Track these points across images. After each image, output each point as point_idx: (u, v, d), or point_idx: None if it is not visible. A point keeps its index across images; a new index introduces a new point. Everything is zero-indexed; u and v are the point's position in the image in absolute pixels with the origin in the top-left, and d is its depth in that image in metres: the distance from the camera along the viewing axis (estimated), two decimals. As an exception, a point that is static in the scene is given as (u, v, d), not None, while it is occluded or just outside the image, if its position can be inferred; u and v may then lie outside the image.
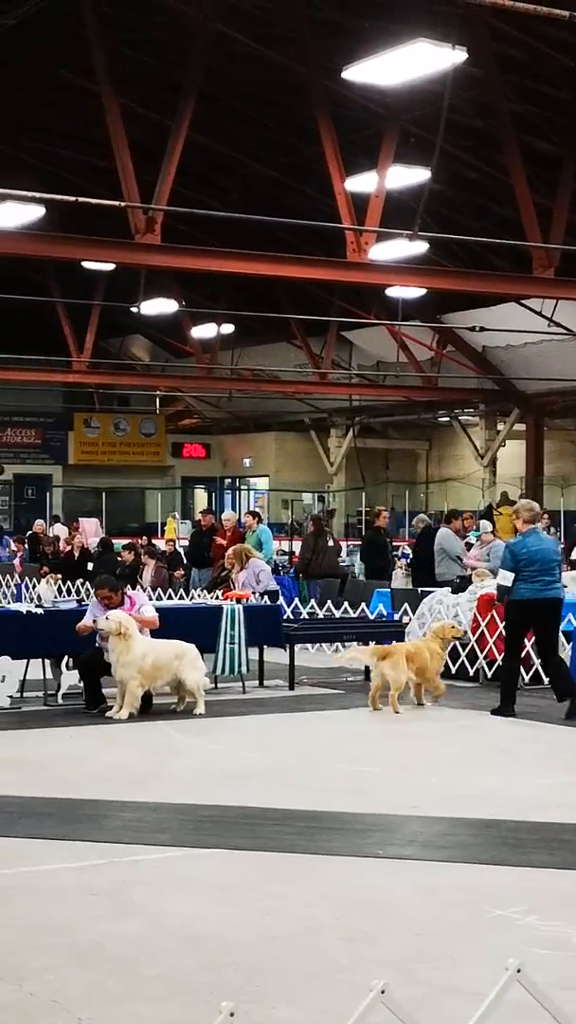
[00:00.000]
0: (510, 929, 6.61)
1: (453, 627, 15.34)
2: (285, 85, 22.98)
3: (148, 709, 14.04)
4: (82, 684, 14.43)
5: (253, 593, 17.95)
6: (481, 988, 5.31)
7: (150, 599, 21.34)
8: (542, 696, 14.79)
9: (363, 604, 19.14)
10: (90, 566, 25.08)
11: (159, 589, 23.06)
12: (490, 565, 19.13)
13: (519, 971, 3.35)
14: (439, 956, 6.19)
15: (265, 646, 16.52)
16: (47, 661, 14.96)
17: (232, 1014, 3.08)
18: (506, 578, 14.10)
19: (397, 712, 14.17)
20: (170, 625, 15.04)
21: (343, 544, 36.57)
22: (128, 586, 15.88)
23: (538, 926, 6.65)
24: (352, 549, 34.33)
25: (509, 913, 6.85)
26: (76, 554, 26.68)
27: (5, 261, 30.63)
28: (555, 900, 7.14)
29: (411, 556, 24.64)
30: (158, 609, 15.01)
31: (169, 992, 5.68)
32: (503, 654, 14.96)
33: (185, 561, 26.37)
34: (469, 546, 21.88)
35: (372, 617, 18.48)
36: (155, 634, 14.25)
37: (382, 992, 3.21)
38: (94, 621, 13.83)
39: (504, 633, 14.91)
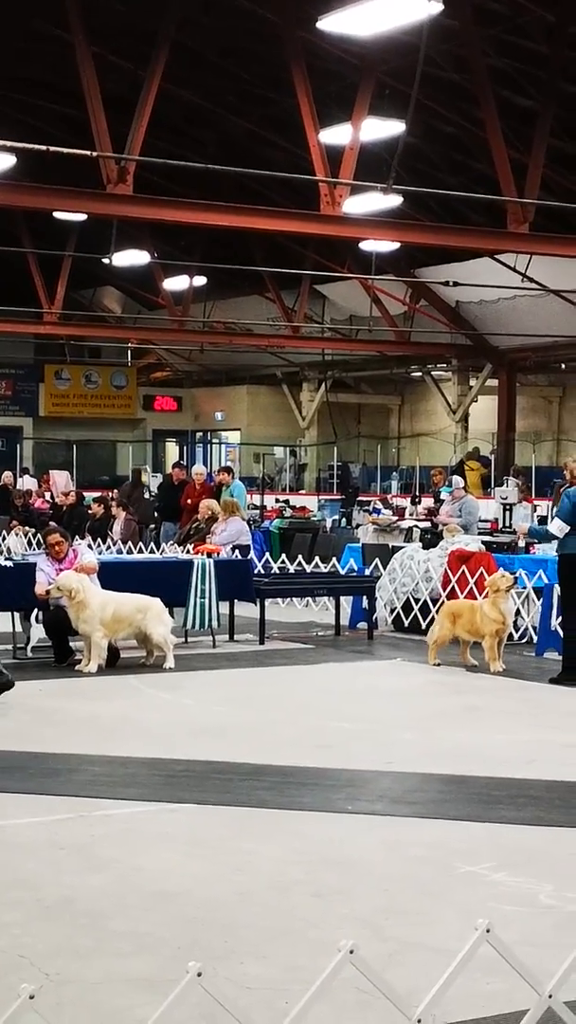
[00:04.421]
0: (478, 885, 6.63)
1: (503, 576, 14.35)
2: (261, 36, 22.76)
3: (115, 663, 14.03)
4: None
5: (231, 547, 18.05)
6: (449, 944, 5.34)
7: (120, 552, 21.39)
8: (519, 653, 14.80)
9: (334, 559, 19.14)
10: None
11: (129, 542, 23.02)
12: (462, 521, 19.16)
13: (488, 931, 3.35)
14: (408, 912, 6.21)
15: (236, 600, 16.51)
16: (16, 614, 14.92)
17: (199, 974, 3.06)
18: (560, 528, 13.41)
19: (431, 663, 14.27)
20: (141, 578, 15.04)
21: (315, 498, 36.63)
22: (75, 538, 15.94)
23: (506, 882, 6.67)
24: (323, 503, 34.35)
25: (478, 869, 6.87)
26: (63, 506, 26.66)
27: (-24, 211, 30.32)
28: (524, 856, 7.16)
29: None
30: (128, 563, 14.98)
31: (138, 948, 5.68)
32: (561, 617, 14.30)
33: (156, 515, 26.34)
34: (440, 502, 21.88)
35: (343, 572, 18.48)
36: (124, 587, 14.22)
37: (351, 952, 3.20)
38: (47, 591, 13.83)
39: (560, 592, 14.22)
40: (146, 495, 27.06)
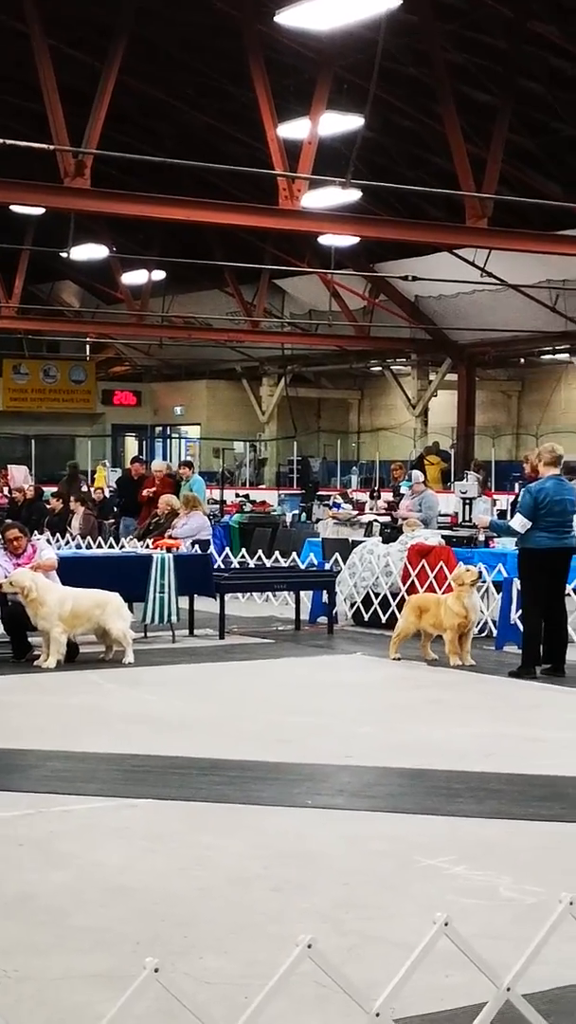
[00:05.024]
0: (438, 879, 6.64)
1: (468, 570, 14.28)
2: (219, 29, 22.72)
3: (74, 658, 13.99)
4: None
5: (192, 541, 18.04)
6: (408, 938, 5.34)
7: (79, 547, 21.32)
8: (479, 647, 14.81)
9: (294, 553, 19.14)
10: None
11: (88, 537, 22.95)
12: (421, 515, 19.20)
13: (446, 924, 3.35)
14: (367, 906, 6.21)
15: (195, 595, 16.48)
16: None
17: (157, 970, 3.05)
18: (523, 524, 13.32)
19: (391, 657, 14.26)
20: (100, 573, 14.99)
21: (275, 493, 36.62)
22: (34, 533, 15.89)
23: (466, 876, 6.68)
24: (283, 498, 34.36)
25: (437, 863, 6.87)
26: (20, 502, 26.56)
27: None
28: (483, 850, 7.17)
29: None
30: (87, 558, 14.93)
31: (97, 943, 5.66)
32: (520, 611, 14.33)
33: (115, 509, 26.29)
34: (400, 496, 21.92)
35: (303, 566, 18.48)
36: (83, 582, 14.18)
37: (309, 947, 3.19)
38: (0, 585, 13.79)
39: (520, 586, 14.24)
40: (84, 488, 27.15)
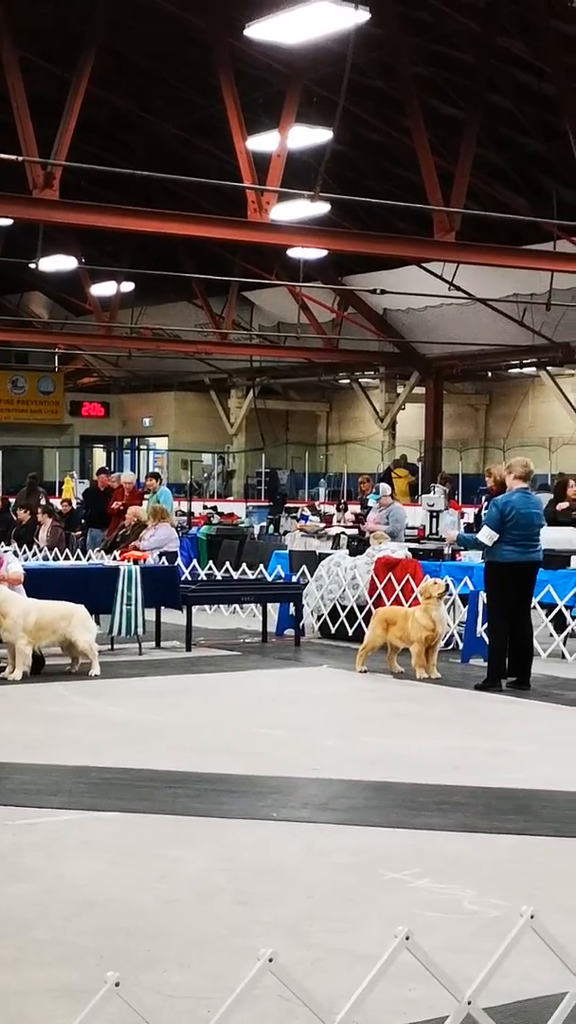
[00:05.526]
0: (403, 892, 6.64)
1: (435, 583, 14.25)
2: (189, 41, 22.77)
3: (40, 670, 13.94)
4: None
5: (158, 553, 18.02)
6: (372, 951, 5.34)
7: (46, 559, 21.27)
8: (445, 660, 14.83)
9: (261, 566, 19.14)
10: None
11: (56, 548, 22.91)
12: (389, 528, 19.23)
13: (408, 938, 3.35)
14: (331, 919, 6.20)
15: (162, 607, 16.46)
16: None
17: (117, 984, 3.04)
18: (490, 537, 13.34)
19: (357, 669, 14.27)
20: (67, 585, 14.95)
21: (243, 505, 36.61)
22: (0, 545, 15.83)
23: (431, 889, 6.68)
24: (251, 510, 34.35)
25: (402, 876, 6.87)
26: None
27: None
28: (448, 863, 7.18)
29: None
30: (54, 570, 14.88)
31: (61, 957, 5.64)
32: (486, 624, 14.34)
33: (83, 521, 26.27)
34: (368, 509, 21.94)
35: (270, 579, 18.48)
36: (50, 594, 14.14)
37: (270, 960, 3.19)
38: None
39: (486, 599, 14.25)
40: (43, 500, 27.19)
